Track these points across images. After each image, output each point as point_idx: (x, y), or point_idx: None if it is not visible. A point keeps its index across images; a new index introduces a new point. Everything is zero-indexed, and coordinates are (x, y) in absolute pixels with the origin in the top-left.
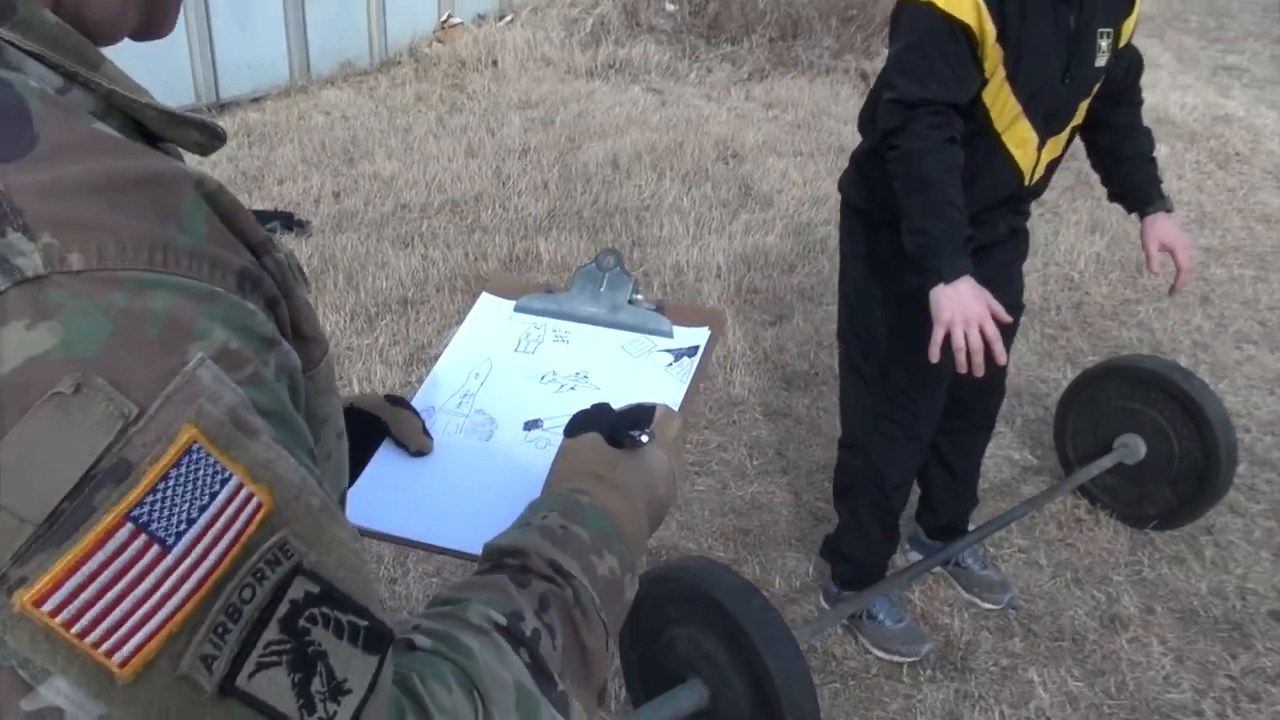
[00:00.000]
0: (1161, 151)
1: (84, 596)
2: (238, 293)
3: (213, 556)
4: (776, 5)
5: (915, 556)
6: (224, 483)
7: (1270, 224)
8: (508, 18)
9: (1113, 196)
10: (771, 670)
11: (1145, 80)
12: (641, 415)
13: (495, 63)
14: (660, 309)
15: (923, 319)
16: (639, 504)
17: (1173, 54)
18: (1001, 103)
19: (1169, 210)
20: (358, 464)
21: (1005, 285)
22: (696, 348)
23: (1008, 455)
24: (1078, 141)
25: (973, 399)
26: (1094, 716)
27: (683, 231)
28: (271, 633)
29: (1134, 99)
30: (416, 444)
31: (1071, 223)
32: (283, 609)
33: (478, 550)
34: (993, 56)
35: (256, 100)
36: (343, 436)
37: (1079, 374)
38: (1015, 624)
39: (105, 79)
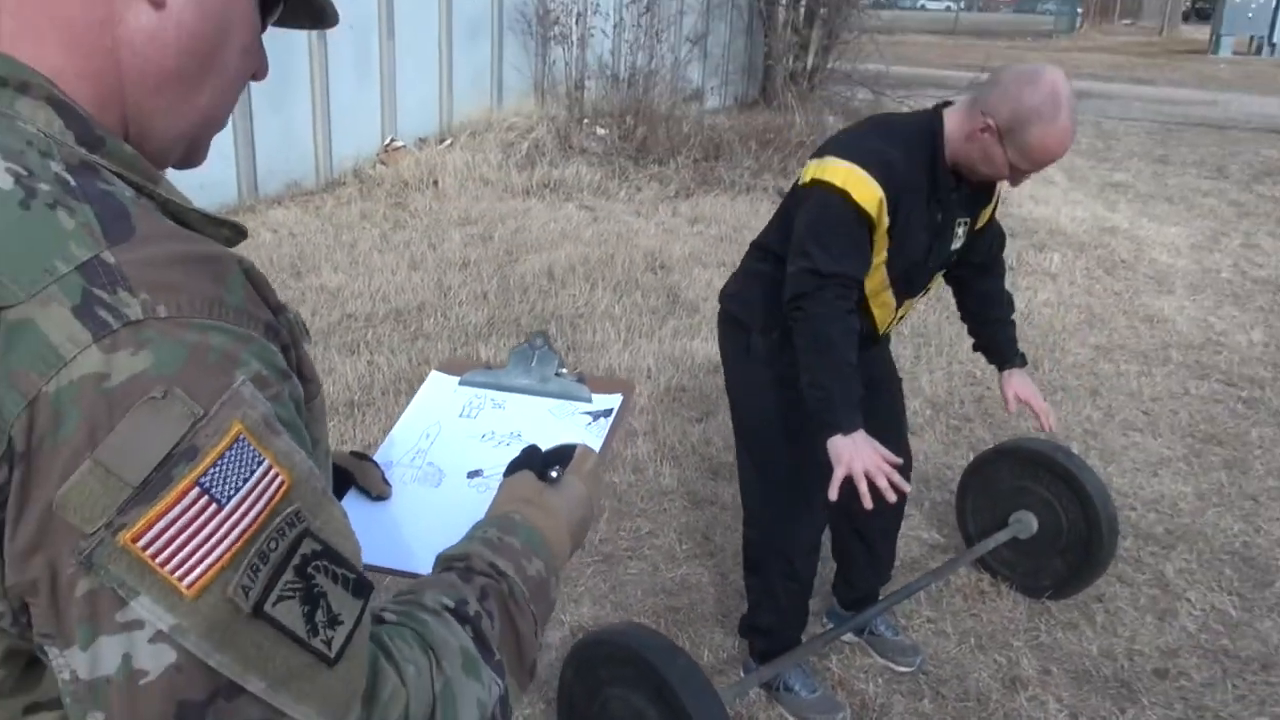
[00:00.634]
0: (1054, 259)
1: (165, 537)
2: (265, 338)
3: (251, 515)
4: (700, 129)
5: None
6: (259, 464)
7: (1153, 324)
8: (448, 141)
9: (976, 348)
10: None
11: (1040, 196)
12: (564, 454)
13: (436, 182)
14: (582, 379)
15: (795, 404)
16: (562, 522)
17: (1065, 173)
18: (875, 277)
19: (1022, 365)
20: None
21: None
22: (611, 410)
23: (916, 535)
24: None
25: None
26: None
27: (615, 336)
28: (289, 575)
29: (997, 270)
30: (377, 490)
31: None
32: (296, 559)
33: (429, 571)
34: (880, 244)
35: None
36: (329, 455)
37: (975, 458)
38: (925, 687)
39: (163, 190)
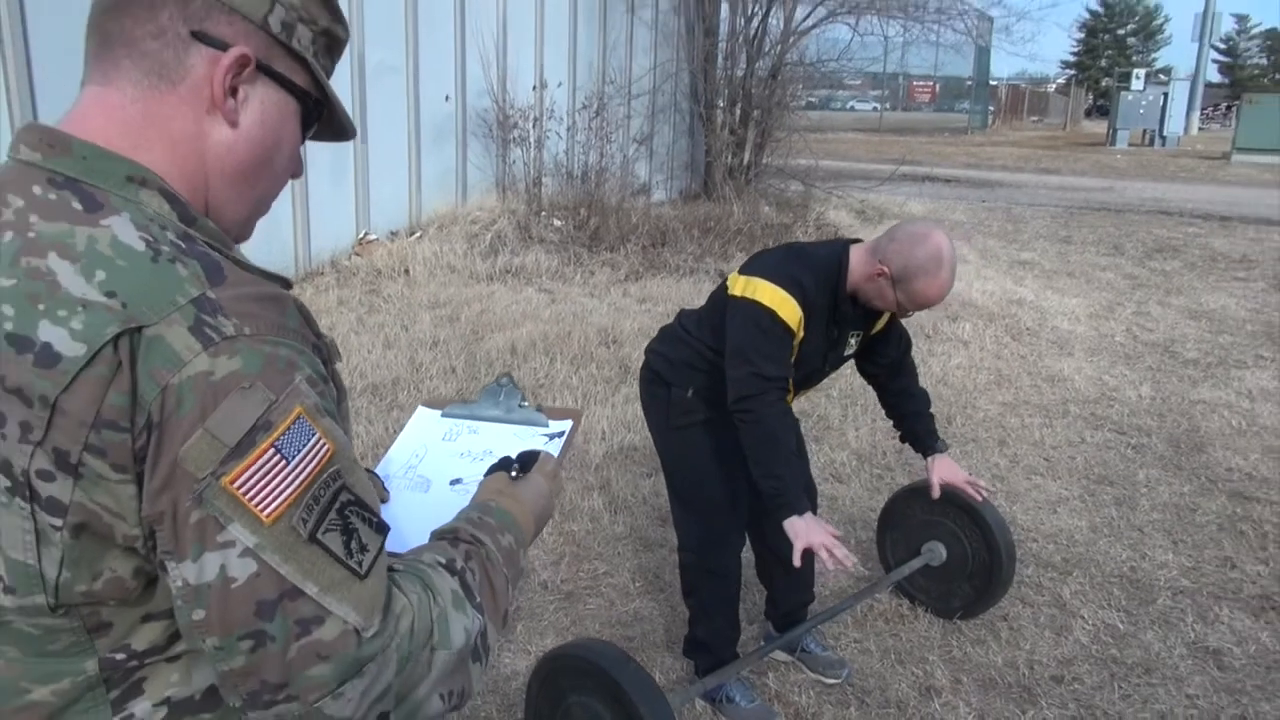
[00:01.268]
0: (966, 328)
1: (251, 482)
2: (312, 353)
3: (308, 469)
4: (647, 219)
5: None
6: (312, 435)
7: (1054, 383)
8: (417, 233)
9: (902, 440)
10: (646, 718)
11: (956, 273)
12: (529, 459)
13: (407, 271)
14: (540, 409)
15: (704, 443)
16: (528, 508)
17: (978, 252)
18: None
19: (945, 450)
20: None
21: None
22: (563, 432)
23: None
24: None
25: None
26: None
27: (572, 403)
28: (332, 514)
29: (907, 369)
30: (378, 496)
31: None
32: (338, 503)
33: None
34: (793, 353)
35: None
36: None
37: (890, 496)
38: (851, 697)
39: (233, 253)
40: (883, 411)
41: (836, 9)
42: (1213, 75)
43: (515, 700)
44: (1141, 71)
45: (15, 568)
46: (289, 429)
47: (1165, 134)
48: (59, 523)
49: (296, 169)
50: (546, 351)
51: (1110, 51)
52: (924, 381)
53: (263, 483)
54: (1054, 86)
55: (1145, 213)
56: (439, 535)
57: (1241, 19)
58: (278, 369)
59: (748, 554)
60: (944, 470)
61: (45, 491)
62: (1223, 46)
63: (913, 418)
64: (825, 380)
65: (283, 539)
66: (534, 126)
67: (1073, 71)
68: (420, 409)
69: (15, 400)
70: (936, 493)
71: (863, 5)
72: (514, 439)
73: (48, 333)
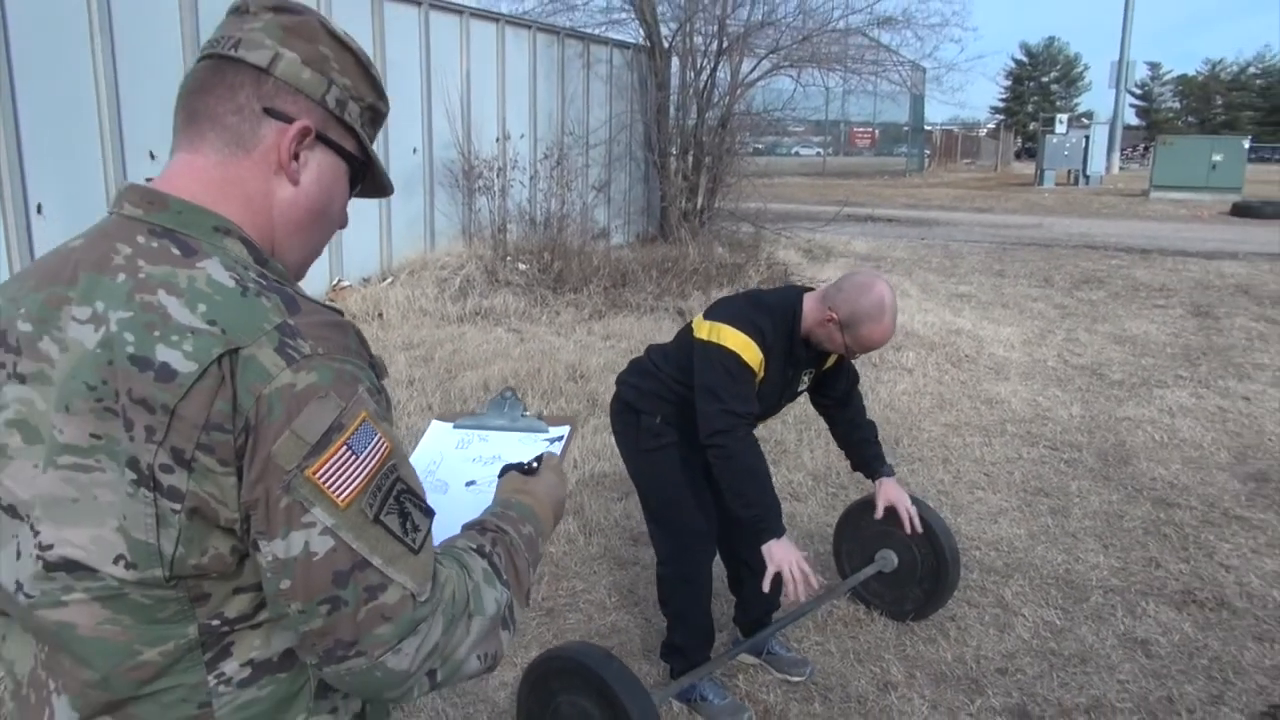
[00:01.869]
0: (910, 357)
1: (329, 473)
2: (369, 369)
3: (373, 463)
4: (608, 261)
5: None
6: (375, 435)
7: (992, 405)
8: (389, 279)
9: (854, 469)
10: (631, 713)
11: (898, 306)
12: (539, 458)
13: (381, 314)
14: (540, 417)
15: (673, 463)
16: (545, 501)
17: (919, 286)
18: None
19: (890, 474)
20: None
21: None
22: (562, 436)
23: None
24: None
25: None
26: None
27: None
28: (390, 501)
29: (854, 402)
30: None
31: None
32: (395, 491)
33: None
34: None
35: None
36: None
37: (845, 508)
38: (815, 693)
39: (298, 290)
40: (831, 436)
41: (780, 62)
42: (1130, 118)
43: (505, 708)
44: (1065, 116)
45: (138, 546)
46: (357, 430)
47: (1089, 173)
48: (177, 507)
49: (344, 221)
50: (518, 387)
51: (1036, 97)
52: (872, 406)
53: (338, 473)
54: (985, 131)
55: (1072, 247)
56: (468, 527)
57: (1154, 66)
58: (345, 381)
59: (719, 567)
60: (889, 492)
61: (166, 482)
62: (1138, 92)
63: (860, 445)
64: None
65: (354, 520)
66: (498, 176)
67: (1002, 116)
68: (434, 422)
69: (141, 408)
70: (880, 513)
71: (804, 58)
72: (519, 444)
73: (164, 354)
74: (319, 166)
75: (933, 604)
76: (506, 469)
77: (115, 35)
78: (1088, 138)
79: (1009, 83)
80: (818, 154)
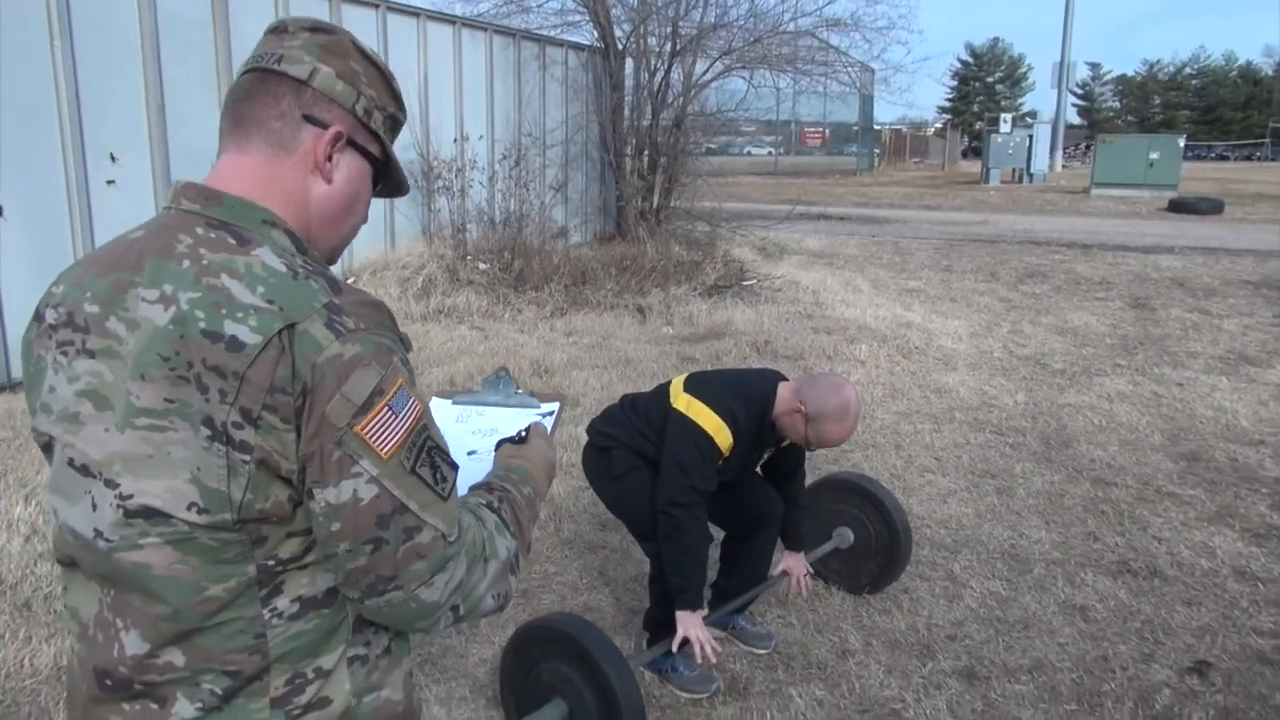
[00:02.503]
0: (863, 349)
1: (374, 429)
2: (401, 344)
3: (409, 422)
4: (567, 260)
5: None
6: (410, 399)
7: (940, 394)
8: (351, 279)
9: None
10: (609, 675)
11: (850, 302)
12: (530, 428)
13: None
14: (532, 394)
15: (644, 483)
16: (539, 464)
17: (870, 282)
18: None
19: (799, 551)
20: None
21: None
22: (553, 411)
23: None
24: None
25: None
26: (835, 713)
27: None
28: (423, 455)
29: (797, 480)
30: None
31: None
32: (426, 447)
33: None
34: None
35: None
36: None
37: None
38: (779, 662)
39: (332, 275)
40: None
41: (733, 64)
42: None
43: (485, 682)
44: (1009, 116)
45: (210, 494)
46: (396, 394)
47: (1032, 172)
48: (246, 459)
49: (366, 217)
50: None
51: (981, 98)
52: None
53: (382, 430)
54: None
55: (1017, 243)
56: (475, 488)
57: (1095, 66)
58: (384, 352)
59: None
60: (789, 563)
61: (238, 437)
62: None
63: (789, 524)
64: None
65: (395, 470)
66: (457, 177)
67: (949, 116)
68: (435, 399)
69: (214, 374)
70: (776, 571)
71: (756, 60)
72: (514, 417)
73: (232, 328)
74: (349, 167)
75: (887, 578)
76: (502, 441)
77: (75, 37)
78: (1031, 137)
79: (955, 83)
80: (770, 153)
